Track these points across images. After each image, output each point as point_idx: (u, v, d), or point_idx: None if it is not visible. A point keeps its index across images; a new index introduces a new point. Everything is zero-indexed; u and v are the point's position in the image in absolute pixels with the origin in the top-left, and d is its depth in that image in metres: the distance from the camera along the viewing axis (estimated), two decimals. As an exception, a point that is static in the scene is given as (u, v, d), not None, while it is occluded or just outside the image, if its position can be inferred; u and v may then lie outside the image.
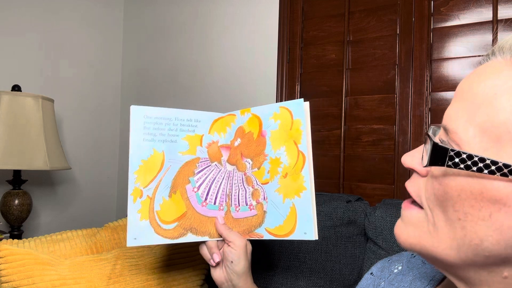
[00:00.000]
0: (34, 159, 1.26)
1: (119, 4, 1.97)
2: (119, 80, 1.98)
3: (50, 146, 1.32)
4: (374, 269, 0.55)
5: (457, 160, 0.30)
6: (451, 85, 1.14)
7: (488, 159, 0.29)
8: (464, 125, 0.31)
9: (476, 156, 0.29)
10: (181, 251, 0.93)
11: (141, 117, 0.70)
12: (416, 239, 0.35)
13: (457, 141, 0.31)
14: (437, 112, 1.15)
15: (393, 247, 0.89)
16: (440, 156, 0.31)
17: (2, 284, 0.72)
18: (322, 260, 0.97)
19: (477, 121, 0.30)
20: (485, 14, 1.09)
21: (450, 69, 1.14)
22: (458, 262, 0.32)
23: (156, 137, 0.71)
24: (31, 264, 0.74)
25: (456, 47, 1.14)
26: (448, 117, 0.33)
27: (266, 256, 0.99)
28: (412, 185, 0.37)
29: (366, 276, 0.55)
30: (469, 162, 0.29)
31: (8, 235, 1.34)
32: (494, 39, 1.07)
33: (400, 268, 0.50)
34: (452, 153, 0.30)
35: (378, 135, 1.25)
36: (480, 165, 0.29)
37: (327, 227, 0.98)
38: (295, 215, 0.68)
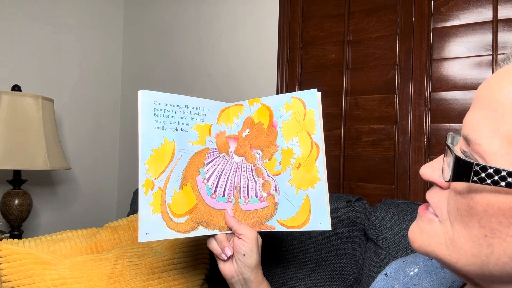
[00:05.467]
0: (34, 159, 1.26)
1: (119, 4, 1.97)
2: (119, 80, 1.98)
3: (50, 146, 1.32)
4: (388, 270, 0.53)
5: (483, 175, 0.27)
6: (451, 85, 1.14)
7: None
8: (488, 135, 0.29)
9: (504, 170, 0.27)
10: (182, 250, 0.93)
11: (151, 103, 0.66)
12: (431, 248, 0.33)
13: (481, 153, 0.29)
14: (437, 112, 1.15)
15: (393, 247, 0.89)
16: (464, 170, 0.28)
17: (3, 283, 0.72)
18: (322, 260, 0.97)
19: (502, 131, 0.28)
20: (485, 14, 1.09)
21: (450, 69, 1.14)
22: (480, 277, 0.30)
23: (167, 125, 0.67)
24: (31, 263, 0.74)
25: (456, 47, 1.14)
26: (469, 126, 0.30)
27: (266, 256, 0.99)
28: (433, 197, 0.34)
29: (380, 278, 0.53)
30: (496, 177, 0.27)
31: (8, 235, 1.34)
32: (494, 39, 1.07)
33: (416, 270, 0.48)
34: (477, 168, 0.28)
35: (378, 135, 1.25)
36: (509, 180, 0.26)
37: (327, 227, 0.98)
38: (309, 206, 0.67)
